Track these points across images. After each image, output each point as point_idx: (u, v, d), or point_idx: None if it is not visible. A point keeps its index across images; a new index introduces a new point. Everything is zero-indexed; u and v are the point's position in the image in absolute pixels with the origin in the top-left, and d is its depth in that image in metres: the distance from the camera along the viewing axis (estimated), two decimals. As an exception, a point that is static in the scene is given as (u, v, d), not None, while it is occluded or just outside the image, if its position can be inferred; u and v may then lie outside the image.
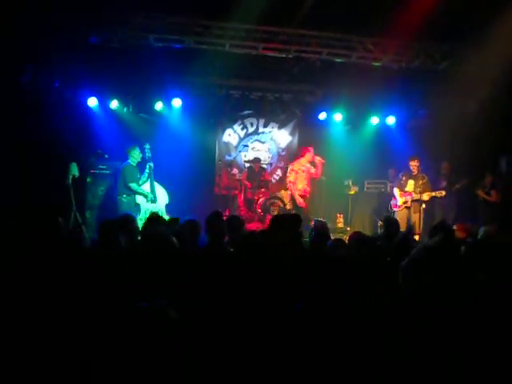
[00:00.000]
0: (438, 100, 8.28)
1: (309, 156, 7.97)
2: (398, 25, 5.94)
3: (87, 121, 7.96)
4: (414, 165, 7.61)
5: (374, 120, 8.95)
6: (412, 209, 7.56)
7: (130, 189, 7.01)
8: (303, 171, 7.95)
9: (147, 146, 7.26)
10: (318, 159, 7.95)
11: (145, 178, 7.19)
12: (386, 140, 8.98)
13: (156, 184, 7.24)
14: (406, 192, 7.64)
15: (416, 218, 7.51)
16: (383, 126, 9.04)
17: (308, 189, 7.98)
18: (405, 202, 7.61)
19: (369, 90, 7.93)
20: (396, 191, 7.76)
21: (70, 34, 6.76)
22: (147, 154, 7.21)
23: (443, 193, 7.55)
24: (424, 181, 7.60)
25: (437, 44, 7.14)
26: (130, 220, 3.91)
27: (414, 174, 7.64)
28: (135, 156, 7.14)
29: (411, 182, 7.63)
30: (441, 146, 8.26)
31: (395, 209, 7.69)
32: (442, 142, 8.24)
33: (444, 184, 8.20)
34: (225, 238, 4.11)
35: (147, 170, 7.19)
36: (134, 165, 7.17)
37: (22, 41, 6.35)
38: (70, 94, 7.74)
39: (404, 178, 7.71)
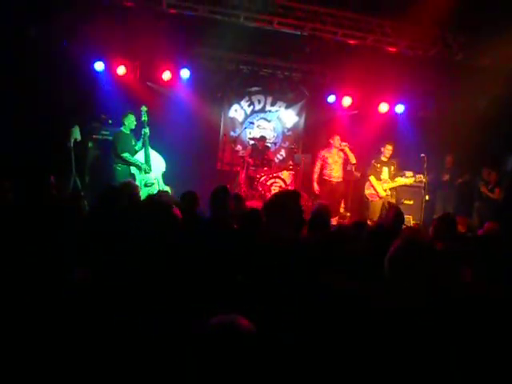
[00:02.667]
0: (449, 92, 8.18)
1: (337, 143, 7.81)
2: (419, 10, 5.80)
3: (93, 85, 7.81)
4: (389, 150, 7.43)
5: (383, 107, 8.83)
6: (389, 197, 7.42)
7: (122, 159, 6.76)
8: (335, 161, 7.83)
9: (144, 109, 6.89)
10: (342, 144, 7.83)
11: (140, 145, 6.93)
12: (393, 128, 8.87)
13: (152, 151, 6.96)
14: (381, 180, 7.48)
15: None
16: (391, 114, 8.93)
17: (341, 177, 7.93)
18: (385, 191, 7.43)
19: (380, 75, 7.81)
20: (373, 180, 7.50)
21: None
22: (143, 118, 6.85)
23: (421, 177, 7.39)
24: (394, 167, 7.50)
25: (455, 34, 6.99)
26: (130, 187, 3.84)
27: (386, 160, 7.48)
28: (129, 123, 6.87)
29: (385, 169, 7.50)
30: (447, 138, 8.19)
31: (372, 199, 7.47)
32: (448, 135, 8.16)
33: (446, 177, 8.16)
34: (229, 213, 4.08)
35: (142, 136, 6.89)
36: (127, 132, 6.90)
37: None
38: (78, 56, 7.58)
39: (378, 165, 7.51)
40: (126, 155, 6.77)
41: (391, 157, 7.48)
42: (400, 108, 8.85)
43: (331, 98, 8.71)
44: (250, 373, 1.32)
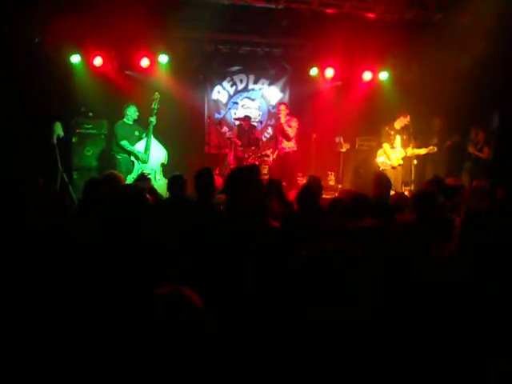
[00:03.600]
0: (431, 54, 8.07)
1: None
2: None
3: (71, 78, 7.68)
4: (402, 120, 7.39)
5: (367, 75, 8.73)
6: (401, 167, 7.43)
7: (121, 147, 6.85)
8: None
9: (156, 96, 6.91)
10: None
11: (144, 134, 6.95)
12: (379, 96, 8.79)
13: (155, 142, 6.98)
14: (395, 148, 7.49)
15: (407, 174, 7.45)
16: (376, 82, 8.84)
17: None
18: (397, 160, 7.46)
19: (361, 43, 7.69)
20: (386, 148, 7.46)
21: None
22: (153, 105, 6.87)
23: (435, 149, 7.47)
24: (406, 136, 7.47)
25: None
26: (113, 178, 3.81)
27: (399, 128, 7.43)
28: (130, 114, 6.95)
29: (398, 138, 7.47)
30: (433, 101, 8.12)
31: (384, 167, 7.42)
32: (434, 98, 8.09)
33: (435, 140, 8.11)
34: (213, 195, 4.06)
35: (149, 124, 6.89)
36: (130, 123, 6.97)
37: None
38: (52, 51, 7.43)
39: (392, 133, 7.48)
40: (123, 143, 6.82)
41: (405, 127, 7.37)
42: (384, 75, 8.75)
43: (313, 71, 8.61)
44: None
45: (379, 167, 7.46)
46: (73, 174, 7.43)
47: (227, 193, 2.65)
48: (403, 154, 7.39)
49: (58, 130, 7.09)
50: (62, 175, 6.94)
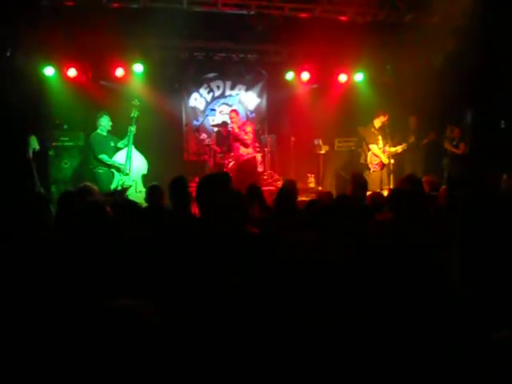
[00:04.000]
0: (404, 54, 8.21)
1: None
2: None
3: (44, 91, 7.60)
4: (383, 119, 7.49)
5: (342, 77, 8.82)
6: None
7: (100, 161, 6.66)
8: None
9: (135, 103, 6.76)
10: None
11: (125, 143, 6.79)
12: (355, 97, 8.89)
13: (135, 152, 6.85)
14: (381, 149, 7.53)
15: (385, 173, 7.54)
16: (351, 83, 8.93)
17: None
18: (388, 158, 7.47)
19: (335, 46, 7.78)
20: (375, 149, 7.45)
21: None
22: (133, 114, 6.72)
23: (405, 146, 7.62)
24: (383, 135, 7.56)
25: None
26: (87, 191, 3.77)
27: (378, 128, 7.51)
28: (104, 124, 6.76)
29: (380, 137, 7.57)
30: (408, 100, 8.24)
31: (375, 169, 7.46)
32: (409, 97, 8.21)
33: (412, 139, 8.22)
34: (190, 204, 4.04)
35: (128, 134, 6.75)
36: (104, 133, 6.79)
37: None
38: (24, 64, 7.34)
39: (376, 132, 7.52)
40: (102, 157, 6.66)
41: (383, 126, 7.47)
42: (359, 76, 8.85)
43: (289, 75, 8.66)
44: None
45: (370, 169, 7.48)
46: (50, 187, 7.34)
47: (200, 201, 2.64)
48: (391, 151, 7.48)
49: (34, 143, 7.00)
50: (40, 189, 6.84)
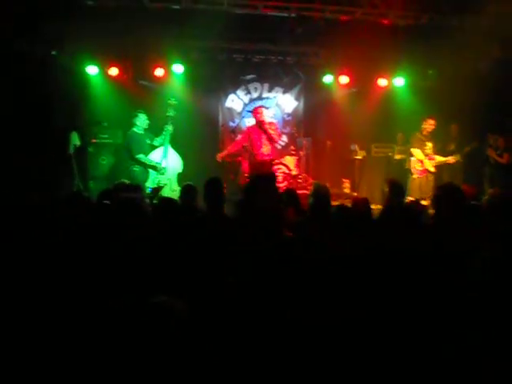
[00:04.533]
0: (448, 59, 7.96)
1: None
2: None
3: (86, 89, 7.81)
4: (431, 124, 7.18)
5: (382, 82, 8.66)
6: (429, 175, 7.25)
7: (137, 161, 6.63)
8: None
9: (171, 102, 6.71)
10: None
11: (161, 141, 6.76)
12: (394, 102, 8.71)
13: (171, 150, 6.82)
14: (428, 155, 7.25)
15: (430, 183, 7.27)
16: (391, 88, 8.76)
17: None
18: (433, 167, 7.20)
19: (376, 50, 7.62)
20: (419, 154, 7.19)
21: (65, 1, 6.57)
22: (168, 113, 6.68)
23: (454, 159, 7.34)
24: (433, 143, 7.36)
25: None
26: (120, 189, 3.83)
27: (428, 134, 7.28)
28: (140, 122, 6.72)
29: (429, 144, 7.32)
30: (450, 107, 7.99)
31: (420, 175, 7.20)
32: (451, 104, 7.96)
33: (452, 147, 7.98)
34: (223, 205, 4.04)
35: (164, 133, 6.71)
36: (141, 132, 6.75)
37: (18, 10, 6.18)
38: (68, 62, 7.58)
39: (424, 138, 7.25)
40: (140, 156, 6.59)
41: (432, 132, 7.24)
42: (399, 81, 8.66)
43: (327, 78, 8.57)
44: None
45: (412, 174, 7.26)
46: (89, 182, 7.52)
47: (244, 201, 2.64)
48: (438, 161, 7.25)
49: (75, 139, 7.21)
50: (79, 184, 7.03)
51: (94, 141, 7.70)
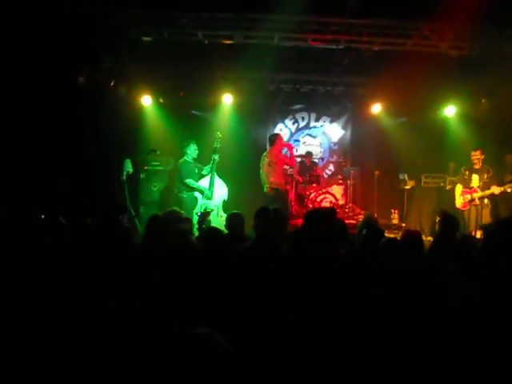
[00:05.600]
0: (502, 88, 7.75)
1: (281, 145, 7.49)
2: (456, 6, 5.57)
3: (140, 118, 8.17)
4: (476, 157, 7.14)
5: (432, 111, 8.53)
6: (480, 206, 7.12)
7: (186, 185, 7.00)
8: (275, 162, 7.31)
9: (218, 135, 7.14)
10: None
11: (208, 170, 7.12)
12: (445, 132, 8.54)
13: (217, 179, 7.15)
14: (471, 189, 7.20)
15: (486, 215, 7.06)
16: (442, 117, 8.61)
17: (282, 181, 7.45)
18: (471, 200, 7.17)
19: (425, 79, 7.54)
20: (458, 189, 7.31)
21: (123, 35, 6.96)
22: (215, 144, 7.08)
23: (499, 190, 7.07)
24: (490, 174, 7.14)
25: (500, 27, 6.64)
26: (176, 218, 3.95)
27: (477, 167, 7.19)
28: (190, 152, 7.13)
29: (475, 177, 7.17)
30: (505, 137, 7.73)
31: (463, 208, 7.22)
32: (506, 134, 7.71)
33: (510, 177, 7.67)
34: (271, 233, 4.06)
35: (211, 162, 7.09)
36: (190, 161, 7.14)
37: (79, 44, 6.61)
38: (125, 93, 7.98)
39: (467, 173, 7.26)
40: (189, 181, 6.99)
41: (483, 163, 7.16)
42: (450, 110, 8.50)
43: (375, 108, 8.55)
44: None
45: (459, 208, 7.24)
46: (140, 207, 7.77)
47: (303, 232, 2.67)
48: (479, 195, 7.08)
49: (128, 166, 7.49)
50: (130, 210, 7.27)
51: (145, 168, 7.98)
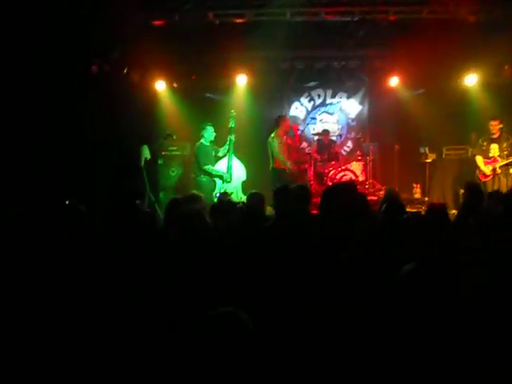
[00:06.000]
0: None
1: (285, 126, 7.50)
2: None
3: (155, 104, 8.15)
4: (494, 126, 6.97)
5: (452, 81, 8.27)
6: (502, 175, 6.98)
7: (205, 171, 6.96)
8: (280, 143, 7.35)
9: (232, 114, 7.09)
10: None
11: (225, 151, 7.07)
12: (466, 101, 8.28)
13: (235, 160, 7.10)
14: (491, 158, 7.05)
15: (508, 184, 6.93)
16: (462, 87, 8.34)
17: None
18: (493, 170, 7.02)
19: (444, 48, 7.29)
20: (478, 160, 7.20)
21: (134, 21, 6.90)
22: (230, 124, 7.02)
23: None
24: (510, 141, 6.95)
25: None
26: (195, 200, 3.94)
27: (496, 136, 7.00)
28: (207, 135, 7.06)
29: (495, 146, 7.00)
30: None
31: (484, 179, 7.12)
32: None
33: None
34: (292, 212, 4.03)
35: (227, 143, 7.04)
36: (207, 144, 7.09)
37: (90, 33, 6.59)
38: (138, 79, 7.95)
39: (485, 143, 7.09)
40: (207, 168, 6.96)
41: (502, 132, 7.04)
42: (471, 79, 8.23)
43: (393, 81, 8.34)
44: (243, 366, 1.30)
45: (480, 179, 7.15)
46: (159, 193, 7.81)
47: (322, 209, 2.63)
48: (501, 163, 6.92)
49: (146, 153, 7.52)
50: (150, 196, 7.31)
51: (163, 153, 7.99)
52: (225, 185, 7.04)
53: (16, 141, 6.22)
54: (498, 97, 7.87)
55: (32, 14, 6.01)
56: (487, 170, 7.13)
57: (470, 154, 8.02)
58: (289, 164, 7.34)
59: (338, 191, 2.63)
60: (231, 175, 7.05)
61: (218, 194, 6.23)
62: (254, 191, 4.62)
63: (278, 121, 7.45)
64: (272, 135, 7.34)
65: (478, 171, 7.30)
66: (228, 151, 7.08)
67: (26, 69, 6.09)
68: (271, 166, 7.36)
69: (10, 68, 6.00)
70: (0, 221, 3.21)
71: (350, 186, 3.06)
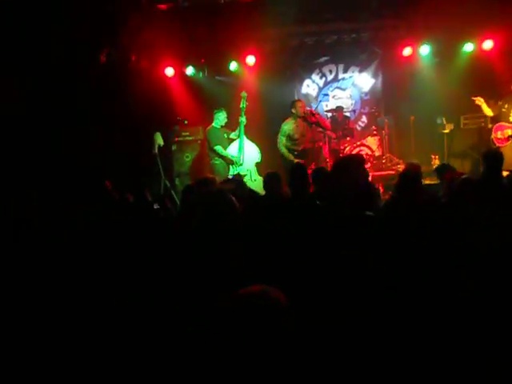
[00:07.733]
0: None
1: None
2: None
3: (165, 90, 8.10)
4: None
5: (468, 47, 8.01)
6: None
7: (215, 152, 7.01)
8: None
9: (243, 95, 7.05)
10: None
11: (237, 133, 7.06)
12: (483, 68, 8.01)
13: (247, 141, 7.08)
14: (511, 122, 6.84)
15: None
16: (478, 53, 8.07)
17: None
18: (511, 136, 6.83)
19: (459, 14, 7.06)
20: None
21: (139, 6, 6.84)
22: (241, 105, 6.99)
23: None
24: None
25: None
26: (208, 183, 3.91)
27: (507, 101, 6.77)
28: (220, 119, 7.10)
29: None
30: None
31: (499, 144, 6.93)
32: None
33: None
34: (309, 190, 3.98)
35: (239, 124, 7.03)
36: (218, 127, 7.12)
37: (97, 21, 6.55)
38: (147, 66, 7.90)
39: (507, 106, 6.85)
40: (217, 148, 6.98)
41: None
42: (488, 44, 7.95)
43: (407, 51, 8.10)
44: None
45: (495, 144, 6.96)
46: (175, 180, 7.81)
47: (332, 180, 2.61)
48: None
49: (159, 139, 7.52)
50: (165, 182, 7.33)
51: (176, 139, 7.97)
52: (237, 167, 7.01)
53: (25, 133, 6.26)
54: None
55: (36, 6, 6.00)
56: (498, 135, 6.93)
57: (488, 121, 7.82)
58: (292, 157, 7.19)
59: (346, 165, 2.60)
60: (241, 158, 7.00)
61: (231, 177, 6.20)
62: (270, 171, 4.58)
63: (291, 105, 7.34)
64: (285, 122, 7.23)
65: (492, 135, 7.10)
66: (239, 133, 7.04)
67: (35, 59, 6.08)
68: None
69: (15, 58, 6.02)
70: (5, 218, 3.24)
71: (359, 159, 3.01)
